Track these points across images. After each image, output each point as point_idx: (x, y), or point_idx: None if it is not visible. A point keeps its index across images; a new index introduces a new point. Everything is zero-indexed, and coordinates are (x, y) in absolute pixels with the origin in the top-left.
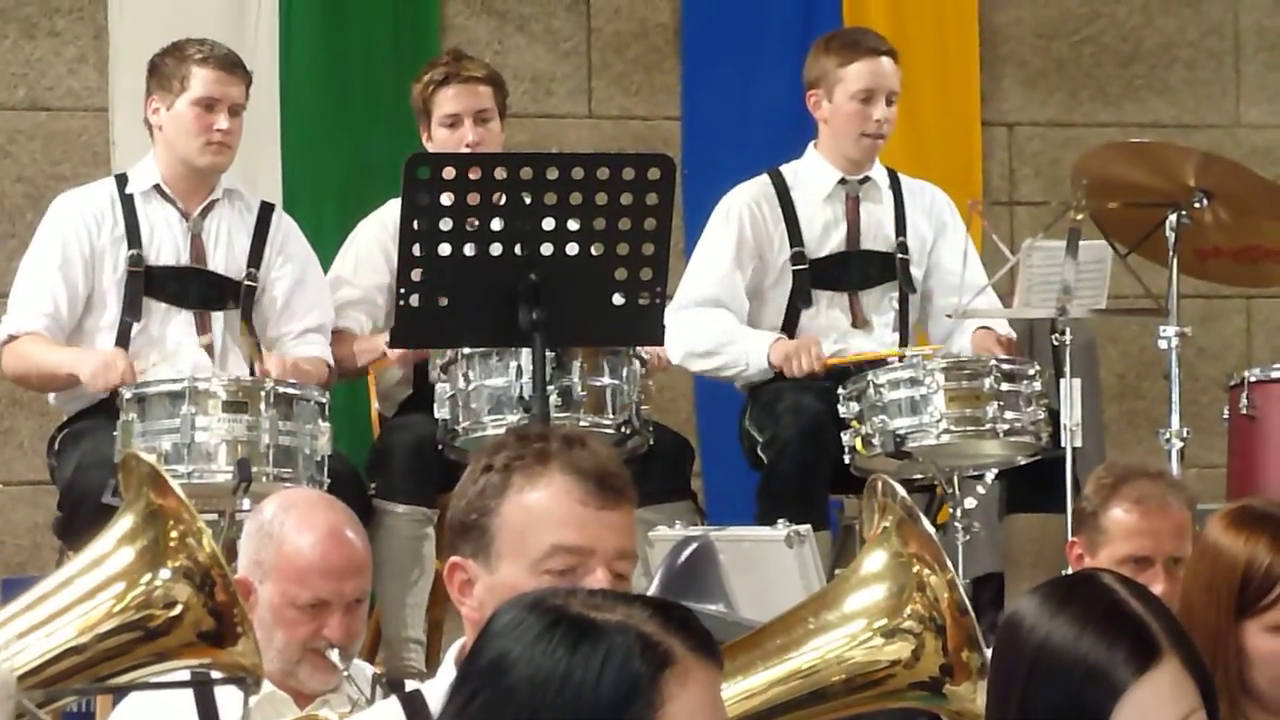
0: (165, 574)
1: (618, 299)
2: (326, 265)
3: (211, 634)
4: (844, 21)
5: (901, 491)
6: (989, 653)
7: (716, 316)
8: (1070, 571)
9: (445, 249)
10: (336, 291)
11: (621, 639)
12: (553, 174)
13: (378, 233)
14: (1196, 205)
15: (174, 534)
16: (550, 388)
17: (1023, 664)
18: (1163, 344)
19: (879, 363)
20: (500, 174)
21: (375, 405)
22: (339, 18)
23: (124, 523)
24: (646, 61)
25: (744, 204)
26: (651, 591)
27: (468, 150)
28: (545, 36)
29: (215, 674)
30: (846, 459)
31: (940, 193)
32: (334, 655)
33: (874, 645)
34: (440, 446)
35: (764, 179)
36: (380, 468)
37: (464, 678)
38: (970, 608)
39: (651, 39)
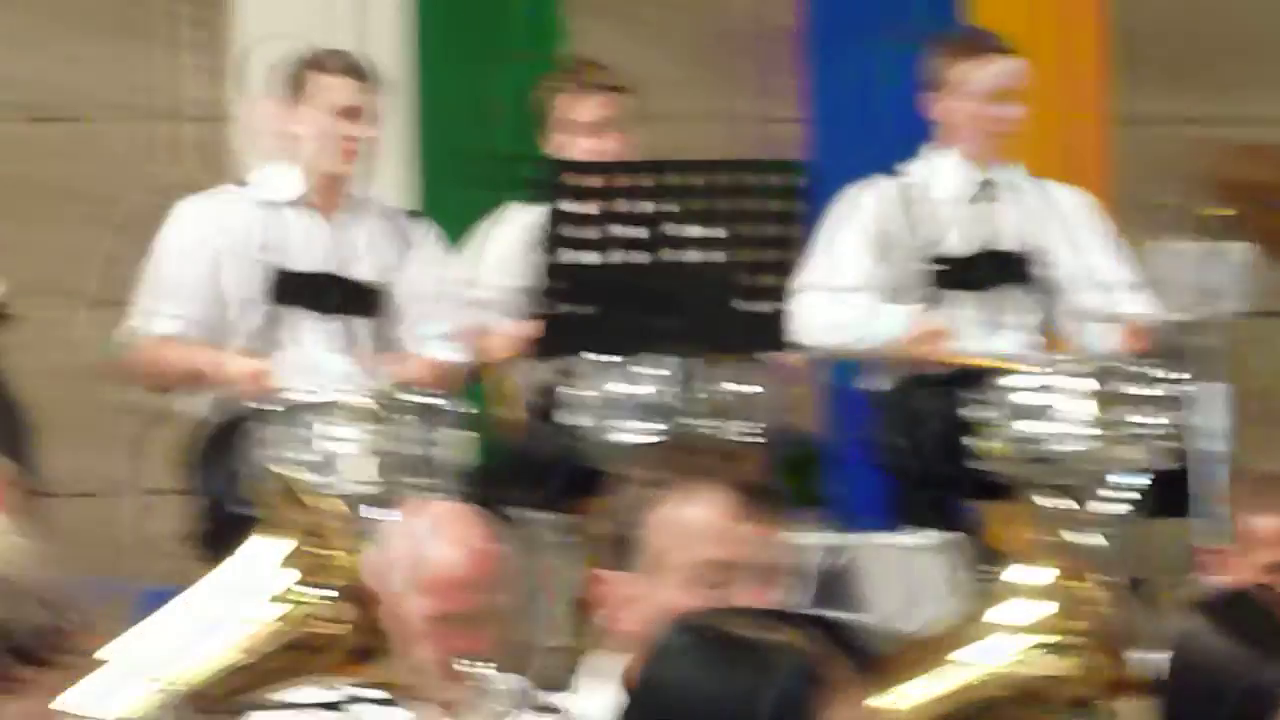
0: (317, 591)
1: (747, 305)
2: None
3: (360, 650)
4: (968, 20)
5: (1053, 505)
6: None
7: (847, 297)
8: (1209, 579)
9: (587, 257)
10: (471, 292)
11: (782, 660)
12: (683, 180)
13: (516, 236)
14: None
15: (318, 550)
16: (684, 394)
17: (1199, 687)
18: None
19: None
20: (642, 181)
21: (508, 413)
22: (470, 24)
23: (267, 539)
24: (769, 63)
25: (871, 202)
26: (798, 604)
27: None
28: (662, 39)
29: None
30: (980, 465)
31: (1075, 191)
32: (474, 668)
33: (1039, 662)
34: (574, 454)
35: (890, 179)
36: (516, 476)
37: (631, 703)
38: (1131, 622)
39: (774, 40)
